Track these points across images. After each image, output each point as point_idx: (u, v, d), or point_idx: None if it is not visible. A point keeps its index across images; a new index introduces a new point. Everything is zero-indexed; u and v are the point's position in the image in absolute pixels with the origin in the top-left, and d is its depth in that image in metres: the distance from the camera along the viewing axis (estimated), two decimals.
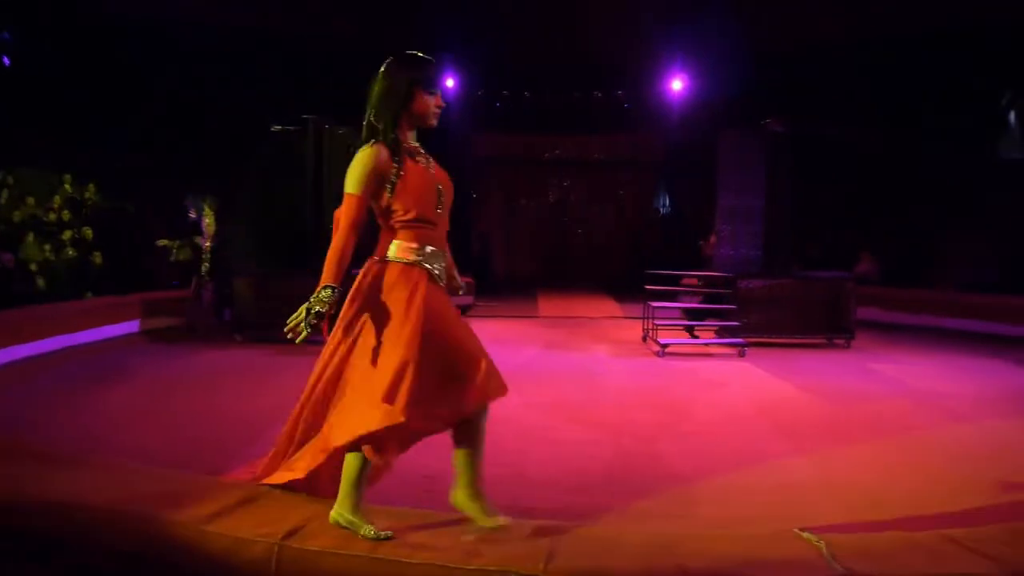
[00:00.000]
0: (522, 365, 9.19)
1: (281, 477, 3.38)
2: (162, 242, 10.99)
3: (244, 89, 12.79)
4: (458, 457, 3.25)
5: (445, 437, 6.03)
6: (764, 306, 10.57)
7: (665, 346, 9.89)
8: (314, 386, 3.26)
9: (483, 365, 3.17)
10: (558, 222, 19.68)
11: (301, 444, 3.34)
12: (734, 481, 5.05)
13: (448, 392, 3.08)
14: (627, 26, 12.68)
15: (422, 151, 3.20)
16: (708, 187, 15.15)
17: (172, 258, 10.69)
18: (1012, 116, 14.40)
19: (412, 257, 3.09)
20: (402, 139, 3.10)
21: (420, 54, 3.17)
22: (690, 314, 11.09)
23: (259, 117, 12.11)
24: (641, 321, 11.10)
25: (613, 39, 13.50)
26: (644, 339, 10.86)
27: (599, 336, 11.38)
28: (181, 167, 12.15)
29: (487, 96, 16.16)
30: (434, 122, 3.17)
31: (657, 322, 10.72)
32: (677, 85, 15.03)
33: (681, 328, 10.98)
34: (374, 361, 2.98)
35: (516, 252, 19.43)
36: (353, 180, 3.00)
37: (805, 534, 3.02)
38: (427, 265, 3.12)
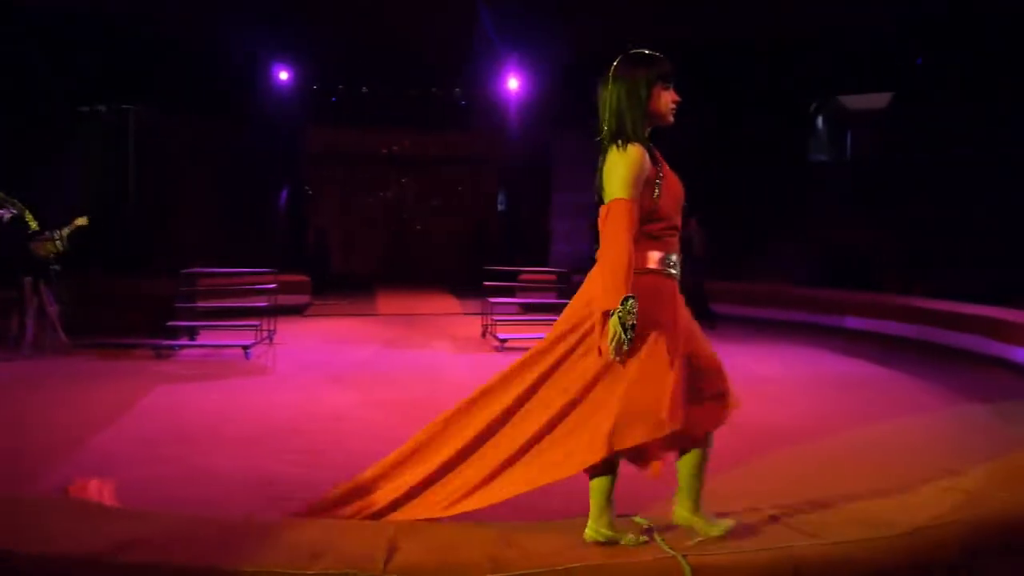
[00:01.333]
0: (362, 363, 9.09)
1: (480, 501, 3.13)
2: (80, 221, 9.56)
3: (56, 72, 11.97)
4: (683, 470, 3.09)
5: (272, 440, 5.89)
6: None
7: (504, 341, 10.03)
8: (522, 405, 3.08)
9: (727, 380, 3.07)
10: (397, 219, 19.56)
11: (505, 465, 3.10)
12: None
13: (702, 403, 2.99)
14: (463, 24, 12.73)
15: (658, 152, 3.02)
16: (545, 185, 15.51)
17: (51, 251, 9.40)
18: (819, 121, 15.50)
19: (665, 268, 2.95)
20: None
21: (648, 51, 3.01)
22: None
23: (72, 104, 11.37)
24: (480, 317, 11.21)
25: (450, 36, 13.53)
26: (483, 335, 10.96)
27: (439, 332, 11.41)
28: None
29: (322, 89, 15.83)
30: (671, 119, 3.01)
31: (496, 318, 10.86)
32: (513, 84, 15.24)
33: (519, 323, 11.17)
34: (637, 374, 2.83)
35: (354, 249, 19.16)
36: (621, 183, 2.83)
37: (637, 519, 3.15)
38: (675, 271, 2.98)
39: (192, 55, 13.16)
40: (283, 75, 14.91)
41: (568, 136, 14.39)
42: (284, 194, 16.67)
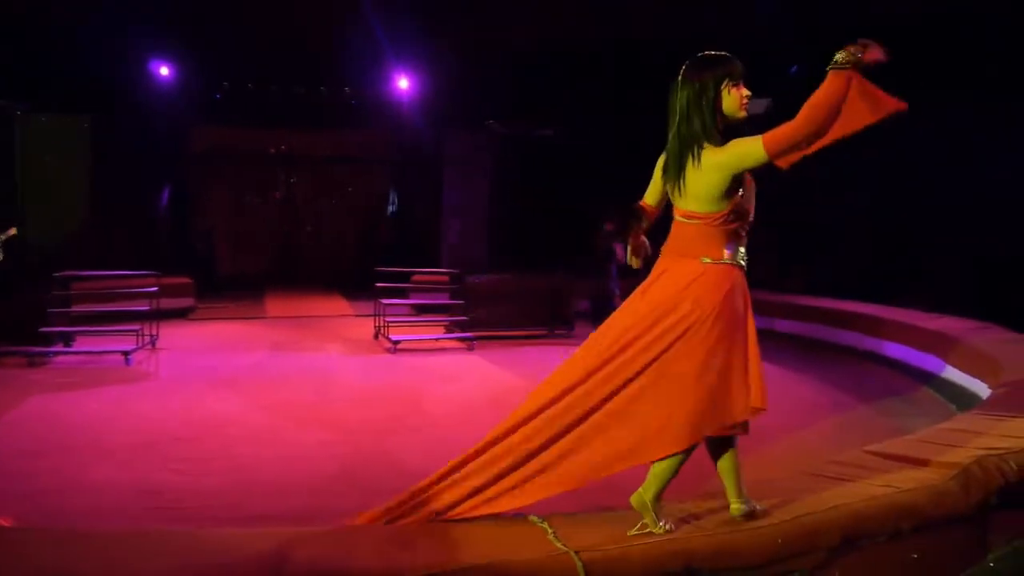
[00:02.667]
0: (251, 367, 8.88)
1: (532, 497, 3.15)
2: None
3: None
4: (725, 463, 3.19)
5: (155, 448, 5.70)
6: (491, 301, 10.94)
7: (397, 343, 9.96)
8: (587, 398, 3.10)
9: None
10: (286, 219, 19.16)
11: (565, 455, 3.13)
12: None
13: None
14: (351, 22, 12.58)
15: None
16: (437, 185, 15.47)
17: None
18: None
19: (735, 260, 3.07)
20: None
21: (715, 52, 3.09)
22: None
23: None
24: (373, 318, 11.10)
25: (338, 34, 13.34)
26: (376, 336, 10.86)
27: (330, 335, 11.23)
28: None
29: (207, 87, 15.35)
30: (744, 113, 3.08)
31: (388, 319, 10.77)
32: (404, 84, 15.14)
33: (412, 324, 11.12)
34: (723, 361, 2.97)
35: (242, 251, 18.66)
36: (750, 144, 2.94)
37: (531, 517, 3.16)
38: (744, 262, 3.10)
39: (68, 49, 12.55)
40: (164, 71, 14.40)
41: (459, 135, 14.39)
42: (166, 194, 16.09)
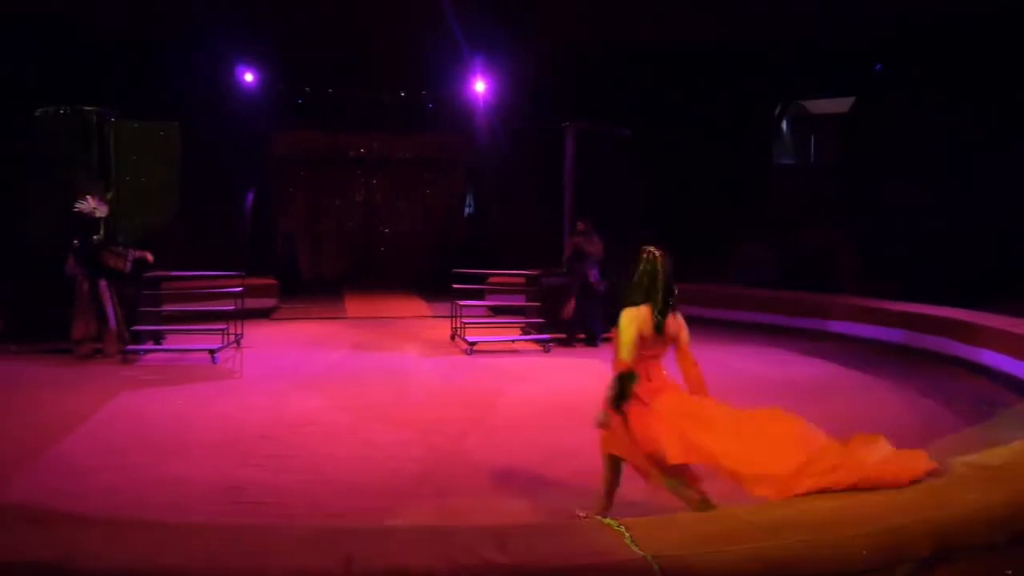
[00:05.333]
0: (330, 367, 9.01)
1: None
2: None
3: (12, 73, 11.79)
4: None
5: (238, 445, 5.81)
6: (567, 303, 10.85)
7: (473, 344, 9.99)
8: None
9: None
10: (365, 222, 19.43)
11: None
12: (540, 473, 5.18)
13: None
14: (430, 27, 12.70)
15: None
16: (511, 187, 15.49)
17: None
18: (784, 125, 15.63)
19: None
20: None
21: None
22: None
23: (30, 104, 11.14)
24: (449, 320, 11.16)
25: (416, 39, 13.49)
26: (452, 338, 10.91)
27: (408, 336, 11.33)
28: None
29: (289, 92, 15.72)
30: None
31: (465, 320, 10.81)
32: (480, 87, 15.25)
33: (488, 325, 11.13)
34: None
35: (322, 252, 18.99)
36: None
37: (607, 520, 3.12)
38: None
39: (156, 56, 13.00)
40: (248, 77, 14.79)
41: (535, 136, 14.38)
42: (250, 197, 16.50)
